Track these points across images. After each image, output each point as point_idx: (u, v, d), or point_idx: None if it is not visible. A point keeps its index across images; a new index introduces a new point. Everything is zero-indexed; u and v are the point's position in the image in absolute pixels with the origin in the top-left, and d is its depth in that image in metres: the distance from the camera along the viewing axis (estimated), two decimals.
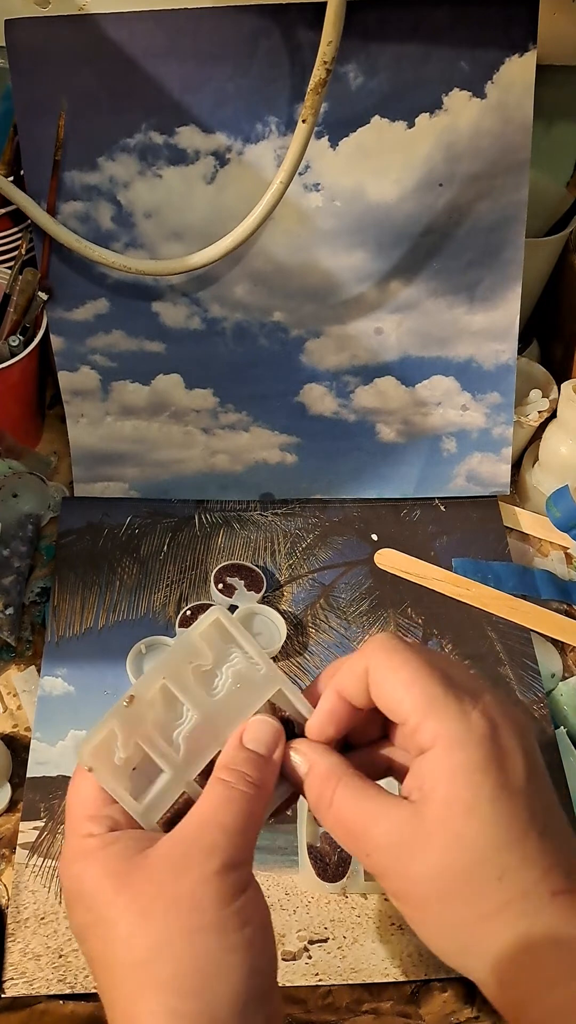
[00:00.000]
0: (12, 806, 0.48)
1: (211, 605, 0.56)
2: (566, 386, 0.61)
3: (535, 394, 0.65)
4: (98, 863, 0.28)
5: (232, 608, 0.56)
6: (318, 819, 0.31)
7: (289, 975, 0.43)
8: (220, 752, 0.32)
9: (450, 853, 0.27)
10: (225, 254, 0.54)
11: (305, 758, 0.32)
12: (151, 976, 0.26)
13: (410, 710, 0.29)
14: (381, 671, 0.30)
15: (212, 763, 0.32)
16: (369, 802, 0.29)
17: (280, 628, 0.55)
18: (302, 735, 0.33)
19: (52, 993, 0.42)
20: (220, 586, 0.57)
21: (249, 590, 0.57)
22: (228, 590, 0.57)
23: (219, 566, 0.58)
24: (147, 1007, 0.26)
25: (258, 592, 0.57)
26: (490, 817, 0.27)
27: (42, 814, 0.47)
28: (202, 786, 0.31)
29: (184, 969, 0.26)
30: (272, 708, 0.34)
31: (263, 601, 0.57)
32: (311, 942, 0.44)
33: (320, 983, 0.43)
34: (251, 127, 0.53)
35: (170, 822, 0.31)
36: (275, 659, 0.55)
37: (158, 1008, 0.26)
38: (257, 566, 0.59)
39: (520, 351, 0.64)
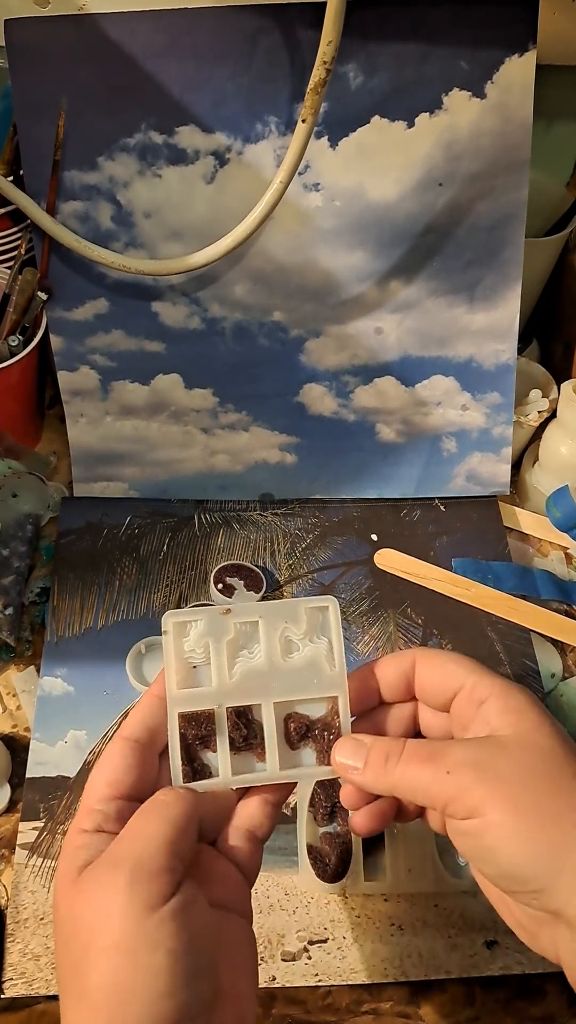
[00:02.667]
0: (11, 806, 0.48)
1: (210, 605, 0.56)
2: (566, 386, 0.61)
3: (535, 394, 0.65)
4: (64, 863, 0.30)
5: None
6: (381, 782, 0.32)
7: (289, 975, 0.43)
8: (257, 706, 0.35)
9: (529, 755, 0.30)
10: (225, 254, 0.54)
11: (366, 736, 0.33)
12: (77, 990, 0.27)
13: (466, 675, 0.33)
14: (432, 657, 0.34)
15: (242, 717, 0.35)
16: (439, 742, 0.32)
17: None
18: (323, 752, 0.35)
19: (51, 994, 0.42)
20: (220, 586, 0.57)
21: (249, 590, 0.57)
22: (228, 590, 0.57)
23: (219, 566, 0.58)
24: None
25: (258, 592, 0.57)
26: (556, 732, 0.31)
27: (41, 814, 0.47)
28: (230, 726, 0.34)
29: (103, 984, 0.26)
30: (299, 718, 0.36)
31: (262, 601, 0.57)
32: (311, 942, 0.44)
33: (320, 983, 0.43)
34: (251, 127, 0.53)
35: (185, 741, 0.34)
36: None
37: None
38: (257, 566, 0.59)
39: (520, 351, 0.64)
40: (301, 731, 0.35)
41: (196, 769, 0.34)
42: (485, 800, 0.29)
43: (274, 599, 0.57)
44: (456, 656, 0.34)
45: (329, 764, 0.34)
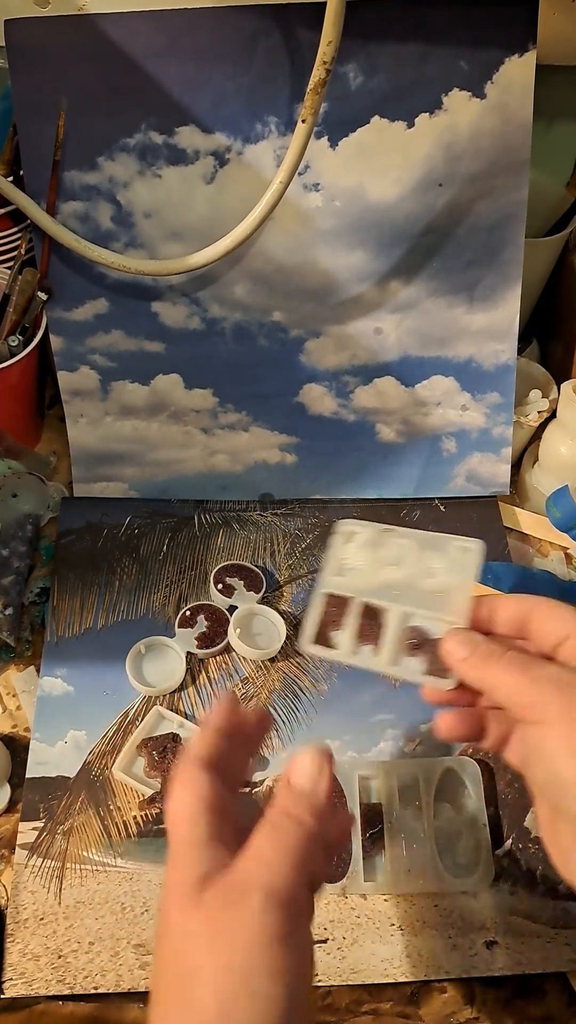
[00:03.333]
0: (11, 806, 0.48)
1: (212, 605, 0.56)
2: (566, 386, 0.61)
3: (535, 394, 0.65)
4: (181, 873, 0.29)
5: (232, 608, 0.56)
6: (478, 672, 0.34)
7: None
8: (386, 609, 0.39)
9: None
10: (225, 254, 0.54)
11: (477, 634, 0.35)
12: (176, 1007, 0.27)
13: None
14: (552, 606, 0.35)
15: (372, 614, 0.39)
16: (536, 657, 0.34)
17: (280, 628, 0.55)
18: None
19: (51, 994, 0.42)
20: (220, 586, 0.57)
21: (248, 590, 0.57)
22: (228, 590, 0.57)
23: (218, 567, 0.58)
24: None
25: (257, 592, 0.57)
26: None
27: (41, 814, 0.47)
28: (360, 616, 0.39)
29: (206, 1009, 0.26)
30: (419, 631, 0.39)
31: (262, 601, 0.57)
32: None
33: (320, 983, 0.43)
34: (251, 127, 0.53)
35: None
36: (274, 659, 0.55)
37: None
38: (256, 566, 0.59)
39: (520, 351, 0.64)
40: (418, 642, 0.39)
41: (322, 639, 0.40)
42: (555, 711, 0.31)
43: (274, 599, 0.57)
44: (573, 609, 0.35)
45: (435, 676, 0.37)
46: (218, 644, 0.54)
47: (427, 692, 0.37)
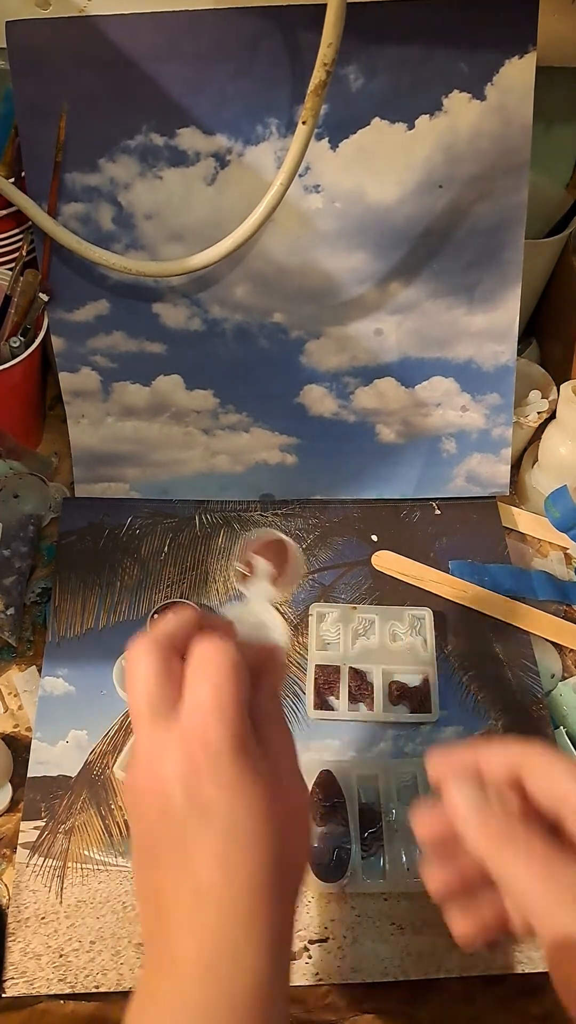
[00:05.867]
0: (13, 806, 0.48)
1: (179, 601, 0.56)
2: (565, 387, 0.61)
3: (534, 395, 0.65)
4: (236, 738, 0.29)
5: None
6: (489, 852, 0.30)
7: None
8: (369, 671, 0.50)
9: None
10: (225, 255, 0.54)
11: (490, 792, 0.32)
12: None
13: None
14: (542, 767, 0.31)
15: (358, 676, 0.54)
16: (561, 859, 0.29)
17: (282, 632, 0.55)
18: None
19: (52, 993, 0.42)
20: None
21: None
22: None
23: (160, 605, 0.57)
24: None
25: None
26: None
27: (43, 814, 0.48)
28: (350, 679, 0.53)
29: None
30: (398, 684, 0.51)
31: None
32: (311, 942, 0.44)
33: (320, 983, 0.43)
34: (251, 129, 0.53)
35: None
36: None
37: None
38: (200, 604, 0.58)
39: (519, 352, 0.65)
40: (399, 692, 0.53)
41: (321, 704, 0.52)
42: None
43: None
44: (571, 768, 0.31)
45: (418, 712, 0.43)
46: None
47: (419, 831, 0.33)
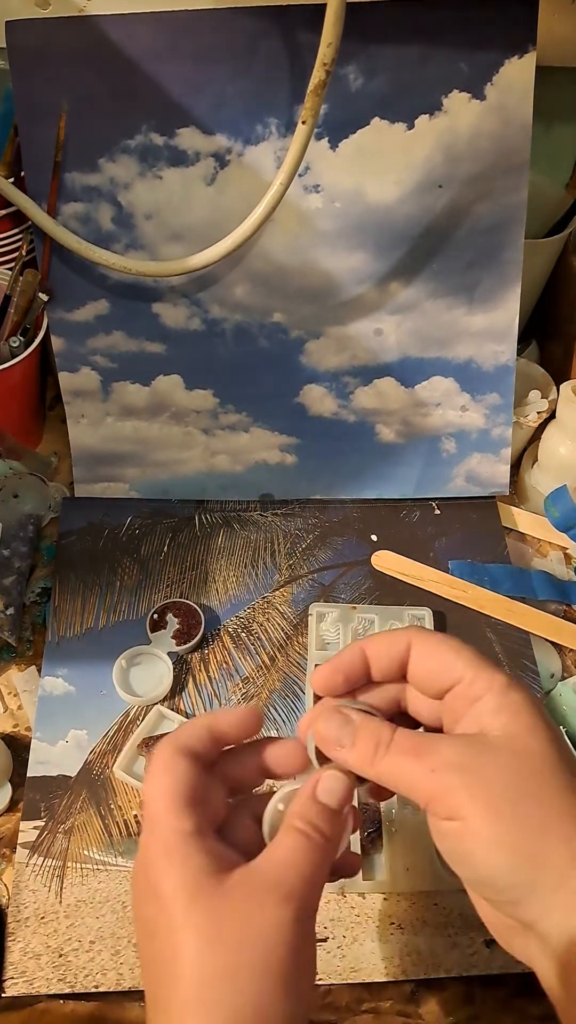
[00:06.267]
0: (12, 806, 0.48)
1: (178, 601, 0.56)
2: (565, 387, 0.61)
3: (534, 395, 0.65)
4: (179, 869, 0.28)
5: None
6: (368, 770, 0.31)
7: None
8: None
9: (518, 760, 0.29)
10: (225, 255, 0.54)
11: (354, 712, 0.32)
12: (213, 999, 0.26)
13: (465, 667, 0.31)
14: (430, 643, 0.33)
15: None
16: (428, 736, 0.31)
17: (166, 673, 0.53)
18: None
19: (52, 992, 0.42)
20: (155, 616, 0.55)
21: (185, 627, 0.55)
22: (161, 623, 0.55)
23: (161, 604, 0.56)
24: None
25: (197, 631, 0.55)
26: (550, 737, 0.30)
27: (42, 813, 0.48)
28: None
29: (244, 1003, 0.26)
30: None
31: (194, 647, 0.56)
32: None
33: (320, 983, 0.43)
34: (251, 128, 0.53)
35: None
36: (274, 659, 0.55)
37: None
38: (198, 604, 0.58)
39: (519, 352, 0.65)
40: None
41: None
42: (467, 804, 0.28)
43: (274, 599, 0.58)
44: (455, 644, 0.32)
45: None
46: (195, 636, 0.54)
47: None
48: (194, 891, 0.28)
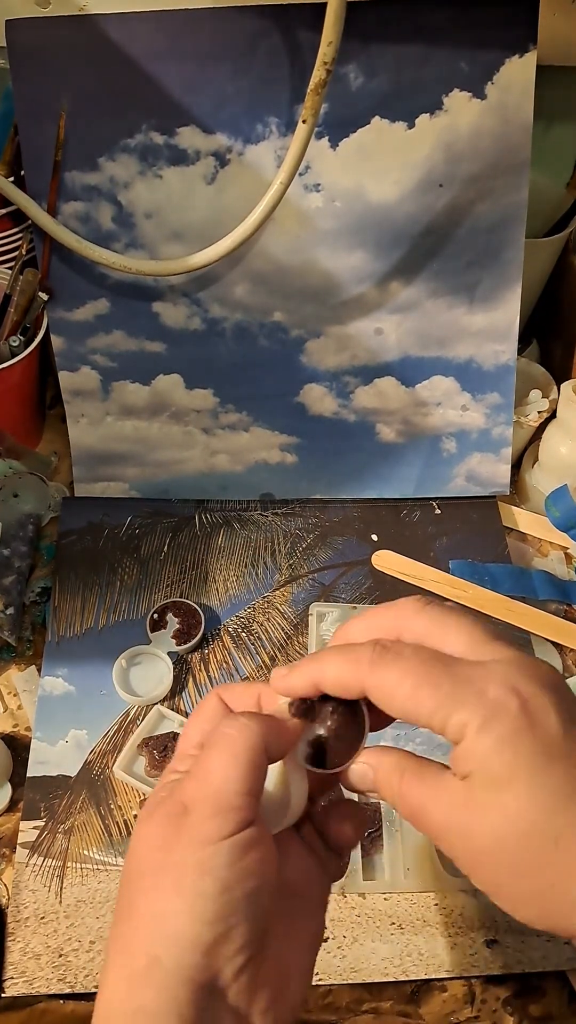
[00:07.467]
0: (12, 805, 0.48)
1: (177, 601, 0.56)
2: (565, 386, 0.61)
3: (535, 394, 0.65)
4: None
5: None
6: (396, 810, 0.30)
7: None
8: None
9: (503, 827, 0.27)
10: (225, 254, 0.54)
11: (368, 763, 0.31)
12: (121, 917, 0.28)
13: (430, 714, 0.28)
14: (386, 692, 0.29)
15: None
16: (426, 787, 0.29)
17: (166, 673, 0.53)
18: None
19: (52, 992, 0.42)
20: (155, 616, 0.55)
21: (184, 627, 0.55)
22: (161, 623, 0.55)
23: (161, 603, 0.56)
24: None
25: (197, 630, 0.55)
26: (530, 788, 0.27)
27: (42, 813, 0.48)
28: None
29: (140, 911, 0.27)
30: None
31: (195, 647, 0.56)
32: None
33: (320, 983, 0.43)
34: (251, 128, 0.53)
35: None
36: (275, 659, 0.55)
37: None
38: (198, 604, 0.57)
39: (520, 351, 0.65)
40: None
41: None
42: (472, 873, 0.28)
43: (274, 599, 0.58)
44: (410, 688, 0.28)
45: None
46: (195, 636, 0.54)
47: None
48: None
